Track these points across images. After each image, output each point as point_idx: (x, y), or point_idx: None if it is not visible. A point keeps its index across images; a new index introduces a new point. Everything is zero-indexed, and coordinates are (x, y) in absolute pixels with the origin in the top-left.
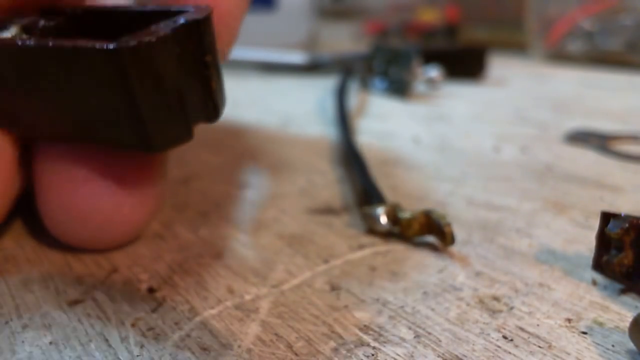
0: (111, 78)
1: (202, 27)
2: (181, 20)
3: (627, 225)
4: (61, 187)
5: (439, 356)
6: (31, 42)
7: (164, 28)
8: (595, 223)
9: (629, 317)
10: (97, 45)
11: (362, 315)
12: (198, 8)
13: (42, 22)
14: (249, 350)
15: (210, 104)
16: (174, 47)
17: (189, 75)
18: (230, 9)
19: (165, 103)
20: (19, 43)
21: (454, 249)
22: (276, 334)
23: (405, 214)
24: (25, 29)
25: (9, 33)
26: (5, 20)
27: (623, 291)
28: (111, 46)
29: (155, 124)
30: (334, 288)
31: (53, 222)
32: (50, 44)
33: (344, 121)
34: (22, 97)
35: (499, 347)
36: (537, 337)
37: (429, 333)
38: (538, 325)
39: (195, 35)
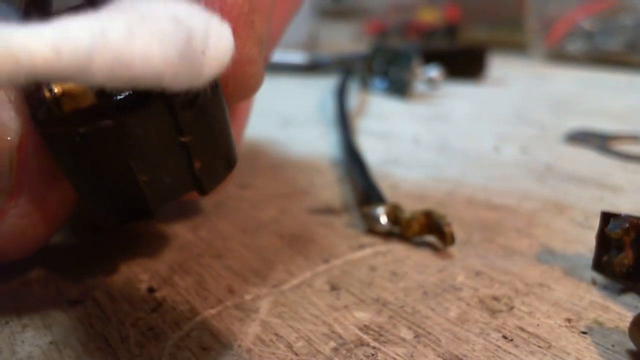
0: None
1: (176, 106)
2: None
3: (627, 225)
4: None
5: (438, 356)
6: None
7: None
8: (595, 223)
9: (629, 317)
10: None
11: (362, 315)
12: None
13: None
14: (249, 350)
15: (194, 183)
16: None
17: (157, 155)
18: (243, 55)
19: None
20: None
21: (454, 249)
22: (276, 334)
23: (405, 214)
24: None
25: None
26: None
27: (623, 291)
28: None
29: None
30: (334, 288)
31: None
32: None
33: (344, 121)
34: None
35: (499, 347)
36: (537, 337)
37: (429, 333)
38: (538, 325)
39: (166, 116)
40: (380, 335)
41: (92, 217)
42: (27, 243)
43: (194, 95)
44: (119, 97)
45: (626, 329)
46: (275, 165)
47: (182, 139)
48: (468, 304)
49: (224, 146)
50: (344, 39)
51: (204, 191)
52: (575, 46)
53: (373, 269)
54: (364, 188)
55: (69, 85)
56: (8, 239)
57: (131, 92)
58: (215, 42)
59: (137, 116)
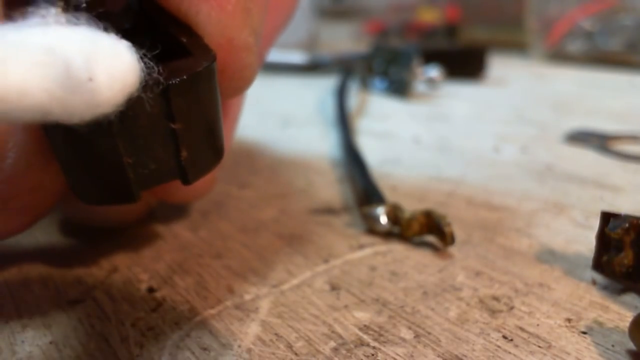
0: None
1: (170, 92)
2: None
3: (627, 225)
4: None
5: (438, 356)
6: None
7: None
8: (595, 223)
9: (629, 317)
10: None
11: (362, 315)
12: (195, 59)
13: None
14: (249, 350)
15: (180, 172)
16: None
17: (146, 139)
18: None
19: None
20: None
21: (454, 249)
22: (276, 334)
23: (405, 214)
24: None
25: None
26: None
27: (623, 291)
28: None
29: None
30: (334, 288)
31: None
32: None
33: (344, 121)
34: None
35: (498, 347)
36: (537, 337)
37: (429, 333)
38: (538, 325)
39: (160, 98)
40: (380, 335)
41: (74, 194)
42: (12, 215)
43: (190, 82)
44: None
45: (626, 329)
46: (275, 165)
47: (172, 126)
48: (468, 304)
49: (213, 137)
50: (344, 39)
51: (188, 181)
52: (575, 46)
53: (373, 268)
54: (364, 188)
55: None
56: None
57: None
58: (107, 65)
59: (129, 98)
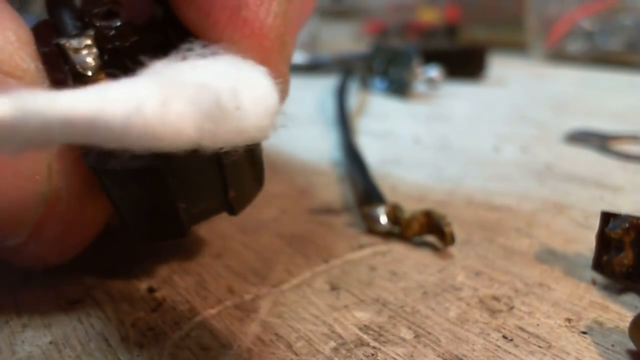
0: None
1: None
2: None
3: (627, 225)
4: None
5: (438, 356)
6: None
7: None
8: (595, 223)
9: (629, 317)
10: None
11: (362, 315)
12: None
13: (112, 30)
14: (249, 350)
15: (227, 207)
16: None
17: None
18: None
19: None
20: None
21: (454, 249)
22: (276, 334)
23: (405, 214)
24: (97, 39)
25: (80, 43)
26: (83, 13)
27: (623, 291)
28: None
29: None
30: (334, 288)
31: None
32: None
33: (344, 121)
34: None
35: (498, 347)
36: (537, 337)
37: (429, 333)
38: (538, 325)
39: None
40: (380, 335)
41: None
42: (65, 249)
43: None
44: None
45: (626, 329)
46: (275, 165)
47: (223, 175)
48: (468, 304)
49: (257, 173)
50: (344, 39)
51: (234, 213)
52: (575, 46)
53: (373, 268)
54: (364, 188)
55: None
56: (47, 246)
57: None
58: (250, 93)
59: (185, 158)
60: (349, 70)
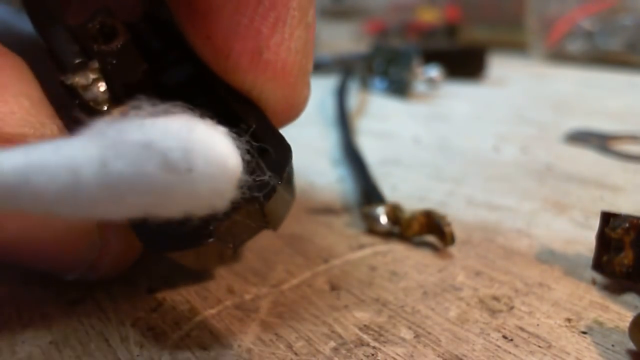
0: None
1: (265, 207)
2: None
3: (627, 225)
4: None
5: (438, 356)
6: None
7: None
8: (595, 223)
9: (629, 317)
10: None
11: (362, 315)
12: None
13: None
14: (249, 350)
15: (264, 227)
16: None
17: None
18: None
19: None
20: None
21: (454, 249)
22: (276, 334)
23: (405, 214)
24: (103, 70)
25: (88, 79)
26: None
27: (623, 291)
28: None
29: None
30: (334, 288)
31: None
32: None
33: (344, 121)
34: None
35: (499, 347)
36: (537, 337)
37: (429, 333)
38: (538, 325)
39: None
40: (380, 335)
41: None
42: (121, 265)
43: (272, 187)
44: None
45: (626, 329)
46: None
47: (264, 212)
48: (468, 304)
49: (290, 189)
50: (344, 39)
51: (269, 229)
52: (575, 46)
53: (373, 268)
54: (364, 188)
55: None
56: (107, 268)
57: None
58: (206, 154)
59: (229, 219)
60: (349, 70)
